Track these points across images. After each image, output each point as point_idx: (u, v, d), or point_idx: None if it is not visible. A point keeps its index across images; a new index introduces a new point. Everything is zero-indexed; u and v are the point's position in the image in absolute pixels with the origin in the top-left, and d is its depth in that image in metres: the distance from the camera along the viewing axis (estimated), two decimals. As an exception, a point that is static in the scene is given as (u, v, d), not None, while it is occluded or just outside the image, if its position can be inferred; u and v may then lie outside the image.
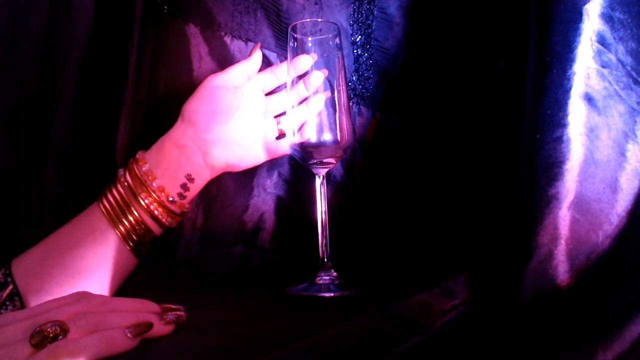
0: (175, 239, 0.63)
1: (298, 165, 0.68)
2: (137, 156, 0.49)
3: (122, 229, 0.44)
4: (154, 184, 0.46)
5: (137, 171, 0.47)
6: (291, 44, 0.52)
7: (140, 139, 0.57)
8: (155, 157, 0.48)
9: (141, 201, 0.45)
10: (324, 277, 0.50)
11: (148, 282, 0.55)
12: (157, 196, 0.46)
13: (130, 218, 0.45)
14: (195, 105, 0.49)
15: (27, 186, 0.53)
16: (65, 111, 0.54)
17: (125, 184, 0.46)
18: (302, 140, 0.50)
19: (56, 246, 0.44)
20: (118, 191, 0.46)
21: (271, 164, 0.69)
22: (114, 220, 0.44)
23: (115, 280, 0.45)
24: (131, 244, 0.45)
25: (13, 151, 0.52)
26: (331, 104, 0.51)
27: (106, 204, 0.45)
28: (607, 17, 0.41)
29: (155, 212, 0.46)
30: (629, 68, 0.41)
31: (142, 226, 0.46)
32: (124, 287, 0.52)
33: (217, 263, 0.63)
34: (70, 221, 0.46)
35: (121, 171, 0.48)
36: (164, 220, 0.47)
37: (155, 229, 0.47)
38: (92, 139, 0.56)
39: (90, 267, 0.43)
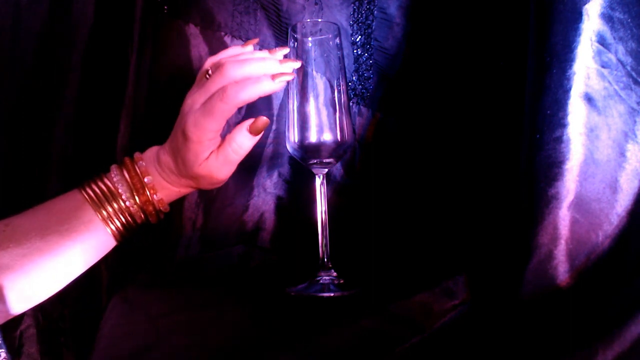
0: (175, 239, 0.63)
1: (298, 165, 0.68)
2: (135, 156, 0.48)
3: (104, 213, 0.44)
4: (146, 179, 0.46)
5: (138, 171, 0.46)
6: (291, 44, 0.52)
7: (140, 139, 0.58)
8: (155, 179, 0.47)
9: (136, 197, 0.45)
10: (324, 277, 0.50)
11: (148, 283, 0.55)
12: (150, 195, 0.46)
13: (115, 205, 0.44)
14: (202, 180, 0.47)
15: (28, 186, 0.53)
16: (66, 111, 0.54)
17: (120, 176, 0.45)
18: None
19: (24, 224, 0.42)
20: (105, 184, 0.45)
21: (271, 164, 0.70)
22: (97, 205, 0.44)
23: (89, 259, 0.44)
24: (113, 227, 0.44)
25: (13, 151, 0.52)
26: (331, 104, 0.51)
27: (90, 192, 0.44)
28: (607, 17, 0.41)
29: (146, 207, 0.46)
30: (629, 68, 0.41)
31: (128, 215, 0.45)
32: (123, 286, 0.53)
33: (217, 263, 0.63)
34: (35, 207, 0.44)
35: (115, 167, 0.47)
36: (150, 219, 0.47)
37: (139, 220, 0.47)
38: (92, 139, 0.56)
39: (64, 243, 0.42)
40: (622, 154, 0.40)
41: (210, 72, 0.44)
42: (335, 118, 0.51)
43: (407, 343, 0.36)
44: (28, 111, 0.53)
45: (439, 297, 0.43)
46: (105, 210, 0.44)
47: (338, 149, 0.51)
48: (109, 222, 0.44)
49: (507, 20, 0.55)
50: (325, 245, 0.51)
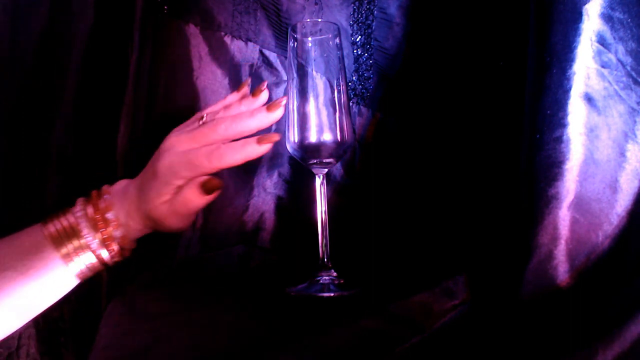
0: (175, 239, 0.63)
1: (298, 165, 0.68)
2: (102, 189, 0.46)
3: (64, 251, 0.42)
4: (108, 214, 0.44)
5: (102, 206, 0.44)
6: (291, 44, 0.52)
7: (140, 139, 0.57)
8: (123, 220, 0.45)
9: (98, 234, 0.43)
10: (324, 277, 0.50)
11: (148, 283, 0.55)
12: (112, 230, 0.44)
13: (76, 243, 0.42)
14: (155, 223, 0.45)
15: (28, 186, 0.53)
16: (66, 111, 0.54)
17: (83, 212, 0.43)
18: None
19: None
20: (67, 219, 0.43)
21: (271, 164, 0.69)
22: (58, 242, 0.42)
23: (49, 298, 0.43)
24: (74, 266, 0.42)
25: (13, 151, 0.52)
26: (331, 104, 0.51)
27: (52, 228, 0.42)
28: (607, 17, 0.41)
29: (108, 245, 0.44)
30: (629, 68, 0.41)
31: (89, 254, 0.43)
32: (122, 286, 0.53)
33: (217, 263, 0.63)
34: None
35: (81, 201, 0.45)
36: (114, 257, 0.45)
37: (102, 259, 0.44)
38: (92, 139, 0.56)
39: (22, 281, 0.40)
40: (622, 154, 0.40)
41: (205, 118, 0.44)
42: (335, 118, 0.51)
43: (407, 343, 0.36)
44: (28, 111, 0.53)
45: (439, 297, 0.43)
46: (66, 248, 0.42)
47: (338, 149, 0.51)
48: (70, 261, 0.42)
49: (507, 20, 0.55)
50: (325, 245, 0.51)
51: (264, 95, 0.47)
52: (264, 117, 0.44)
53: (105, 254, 0.43)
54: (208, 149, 0.42)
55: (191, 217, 0.45)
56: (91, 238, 0.43)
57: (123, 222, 0.44)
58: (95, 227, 0.43)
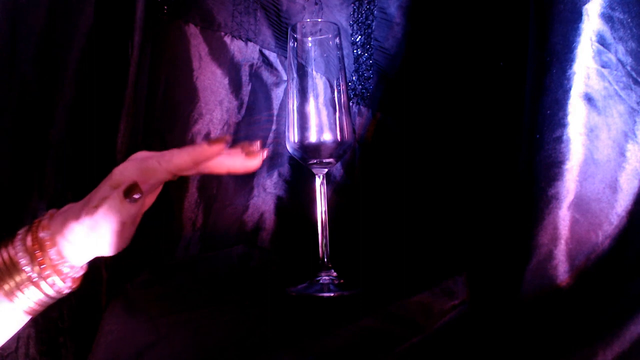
0: (175, 239, 0.63)
1: (298, 165, 0.68)
2: (48, 213, 0.42)
3: (7, 287, 0.39)
4: (41, 234, 0.40)
5: (39, 229, 0.41)
6: (291, 44, 0.52)
7: (140, 139, 0.58)
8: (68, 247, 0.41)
9: (35, 264, 0.39)
10: (324, 277, 0.50)
11: (148, 283, 0.55)
12: (46, 249, 0.40)
13: (17, 278, 0.39)
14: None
15: (27, 186, 0.53)
16: (65, 111, 0.54)
17: (23, 242, 0.40)
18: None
19: None
20: (8, 252, 0.40)
21: (271, 164, 0.70)
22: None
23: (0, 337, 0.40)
24: (21, 303, 0.39)
25: (13, 151, 0.52)
26: (331, 104, 0.51)
27: None
28: (607, 17, 0.41)
29: (45, 274, 0.40)
30: (629, 68, 0.41)
31: (33, 287, 0.40)
32: (122, 286, 0.53)
33: (217, 263, 0.63)
34: None
35: (22, 231, 0.41)
36: (61, 290, 0.41)
37: (47, 291, 0.41)
38: (92, 139, 0.56)
39: None
40: (622, 154, 0.40)
41: None
42: (335, 118, 0.51)
43: (407, 343, 0.36)
44: (28, 111, 0.53)
45: (439, 297, 0.43)
46: (8, 284, 0.39)
47: (338, 149, 0.51)
48: (15, 297, 0.39)
49: (507, 21, 0.55)
50: (325, 245, 0.51)
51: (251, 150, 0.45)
52: (239, 161, 0.43)
53: (47, 288, 0.40)
54: (161, 153, 0.40)
55: (118, 235, 0.41)
56: (32, 271, 0.39)
57: (59, 240, 0.40)
58: (33, 258, 0.39)
